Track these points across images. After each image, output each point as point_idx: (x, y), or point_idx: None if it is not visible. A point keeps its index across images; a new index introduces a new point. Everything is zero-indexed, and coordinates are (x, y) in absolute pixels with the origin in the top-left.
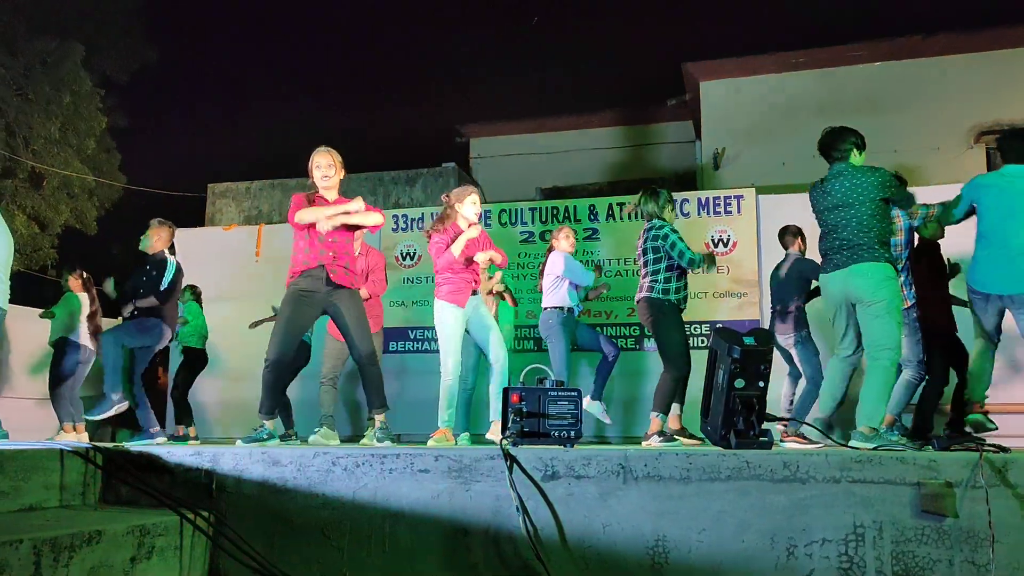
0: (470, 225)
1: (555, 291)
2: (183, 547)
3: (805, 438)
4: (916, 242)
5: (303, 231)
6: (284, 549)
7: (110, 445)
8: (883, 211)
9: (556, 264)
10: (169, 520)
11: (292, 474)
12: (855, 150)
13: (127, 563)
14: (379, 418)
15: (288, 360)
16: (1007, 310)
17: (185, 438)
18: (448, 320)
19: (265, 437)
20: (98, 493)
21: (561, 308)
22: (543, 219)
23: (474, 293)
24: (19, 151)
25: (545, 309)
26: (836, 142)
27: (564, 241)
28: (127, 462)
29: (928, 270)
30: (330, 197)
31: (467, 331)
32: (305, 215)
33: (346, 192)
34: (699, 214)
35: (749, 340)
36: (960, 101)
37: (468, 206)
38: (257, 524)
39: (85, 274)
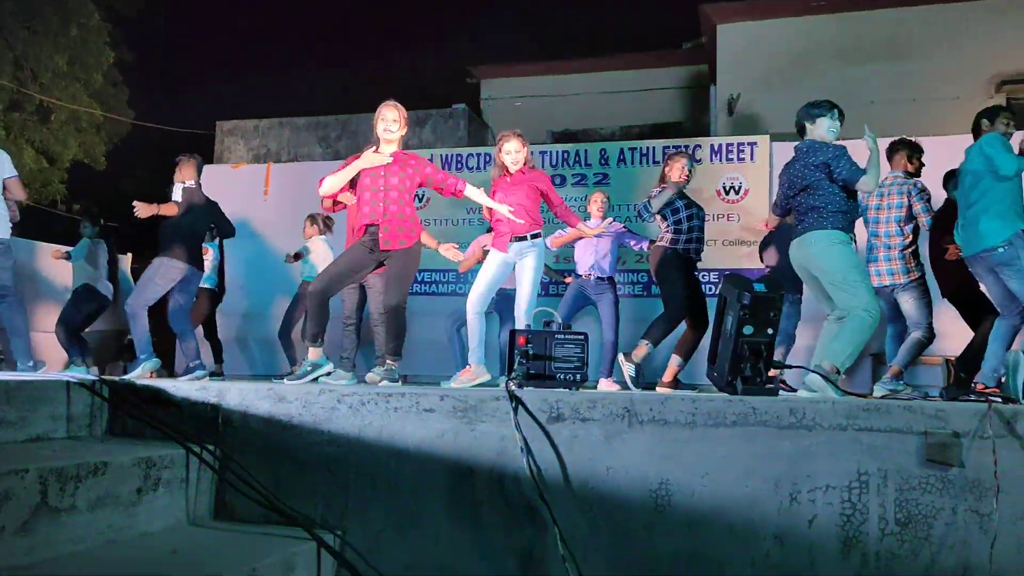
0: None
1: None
2: (189, 480)
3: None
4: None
5: (361, 190)
6: (289, 484)
7: (116, 378)
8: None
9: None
10: (175, 453)
11: (297, 411)
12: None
13: (133, 494)
14: (389, 362)
15: (331, 295)
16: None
17: (221, 375)
18: (485, 261)
19: (309, 369)
20: (105, 425)
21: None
22: (553, 163)
23: (522, 239)
24: (27, 84)
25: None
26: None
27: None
28: (133, 395)
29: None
30: (387, 151)
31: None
32: (322, 187)
33: (356, 132)
34: (711, 160)
35: (759, 287)
36: (982, 49)
37: (503, 154)
38: (263, 459)
39: (103, 220)
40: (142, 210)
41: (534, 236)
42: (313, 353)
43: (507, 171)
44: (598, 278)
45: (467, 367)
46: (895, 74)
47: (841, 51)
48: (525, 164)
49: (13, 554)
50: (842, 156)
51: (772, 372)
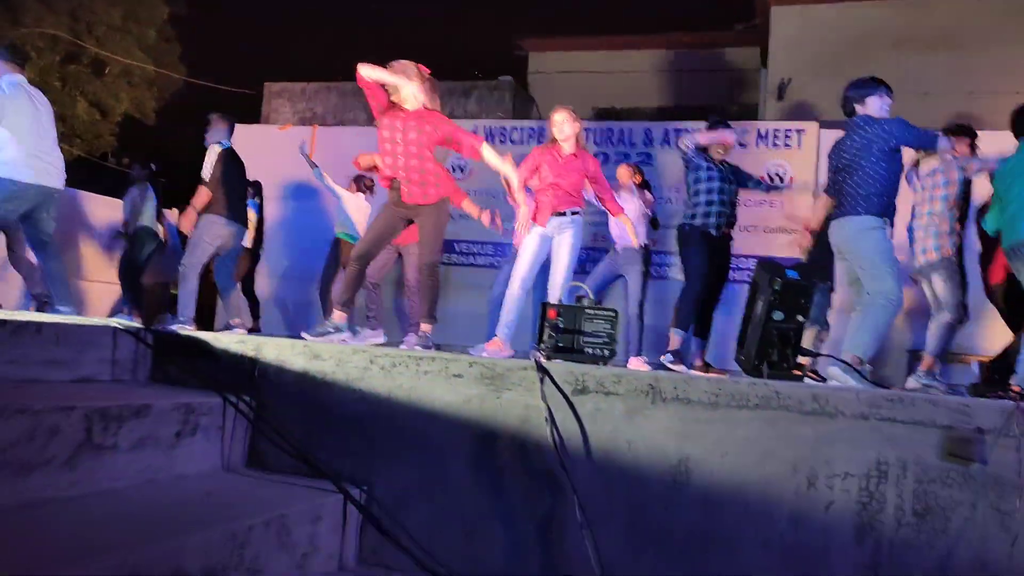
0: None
1: None
2: (225, 428)
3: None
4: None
5: (380, 142)
6: (320, 438)
7: (160, 328)
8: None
9: None
10: (213, 401)
11: (331, 368)
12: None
13: (172, 437)
14: (424, 327)
15: (372, 258)
16: None
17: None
18: (527, 237)
19: (331, 331)
20: (148, 372)
21: None
22: (596, 141)
23: (561, 214)
24: (82, 36)
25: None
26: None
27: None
28: (176, 344)
29: None
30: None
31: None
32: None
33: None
34: (757, 145)
35: (792, 273)
36: None
37: (552, 125)
38: (295, 413)
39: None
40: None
41: (574, 212)
42: (339, 316)
43: (559, 148)
44: (626, 248)
45: (494, 339)
46: (952, 65)
47: (897, 39)
48: (578, 144)
49: (58, 486)
50: (906, 126)
51: (803, 360)
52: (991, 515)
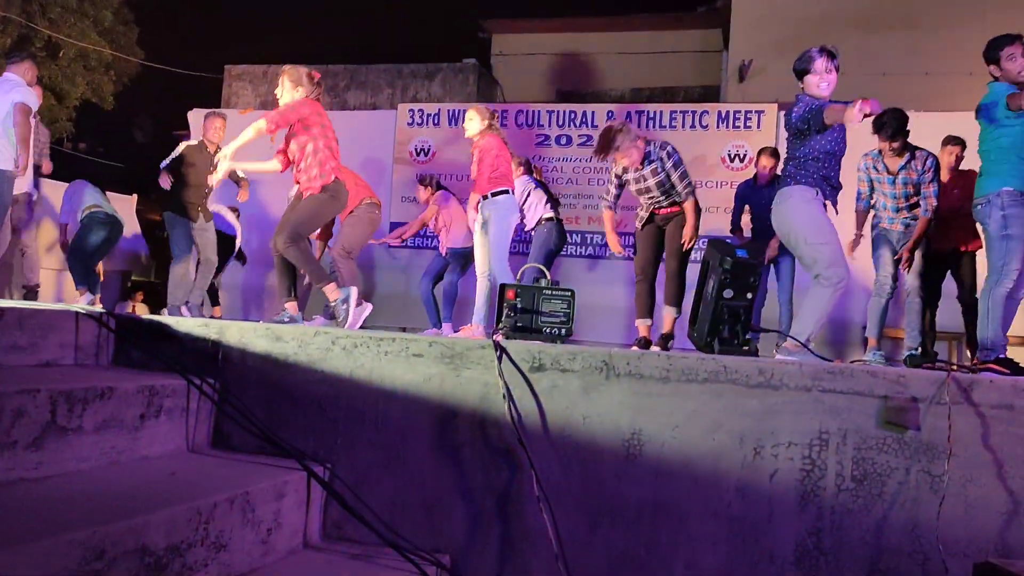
0: None
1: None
2: (189, 410)
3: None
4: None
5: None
6: (283, 419)
7: (122, 313)
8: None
9: None
10: (177, 384)
11: (293, 350)
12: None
13: (136, 419)
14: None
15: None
16: None
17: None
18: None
19: (286, 320)
20: (111, 355)
21: None
22: (560, 123)
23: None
24: (35, 19)
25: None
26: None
27: None
28: (138, 328)
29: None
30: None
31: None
32: None
33: (364, 83)
34: (717, 127)
35: (741, 252)
36: (998, 24)
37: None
38: (259, 394)
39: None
40: None
41: (495, 194)
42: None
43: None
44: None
45: (472, 323)
46: (909, 45)
47: (858, 19)
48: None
49: (25, 467)
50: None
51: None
52: (923, 479)
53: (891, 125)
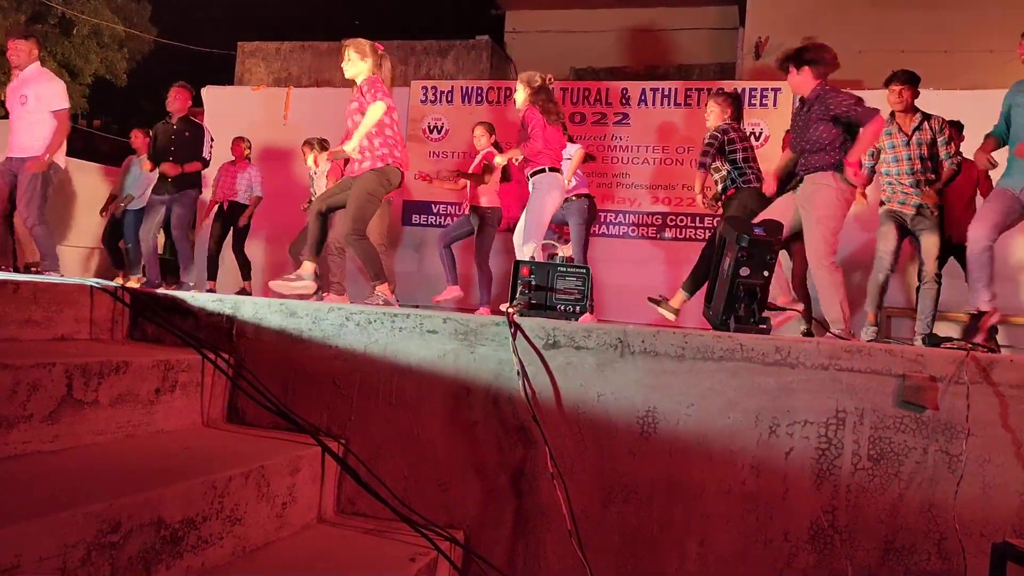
0: None
1: None
2: (204, 384)
3: None
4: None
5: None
6: (297, 394)
7: (138, 287)
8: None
9: None
10: (192, 358)
11: (308, 325)
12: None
13: (152, 393)
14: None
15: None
16: None
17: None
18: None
19: (380, 303)
20: (126, 330)
21: None
22: (574, 100)
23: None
24: None
25: None
26: None
27: None
28: (154, 303)
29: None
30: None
31: None
32: None
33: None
34: None
35: (758, 229)
36: (1019, 2)
37: None
38: (273, 369)
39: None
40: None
41: (534, 173)
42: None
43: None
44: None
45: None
46: (929, 23)
47: None
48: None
49: (41, 439)
50: None
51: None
52: (940, 458)
53: (899, 76)
